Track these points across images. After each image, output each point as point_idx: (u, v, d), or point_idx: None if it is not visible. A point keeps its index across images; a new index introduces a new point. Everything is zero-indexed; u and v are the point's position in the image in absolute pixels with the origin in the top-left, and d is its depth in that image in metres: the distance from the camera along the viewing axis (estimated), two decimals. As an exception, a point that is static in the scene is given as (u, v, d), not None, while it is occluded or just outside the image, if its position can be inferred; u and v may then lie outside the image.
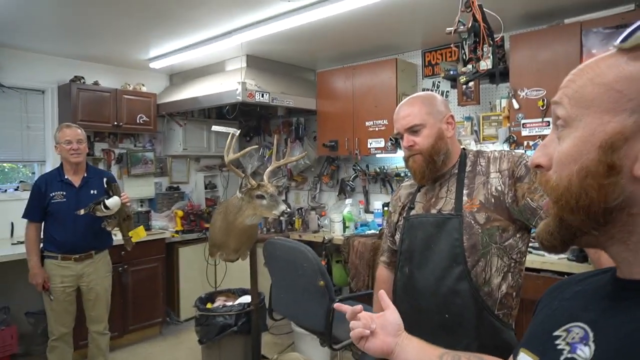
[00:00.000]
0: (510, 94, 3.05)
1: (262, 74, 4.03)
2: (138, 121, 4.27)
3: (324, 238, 3.81)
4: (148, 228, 4.02)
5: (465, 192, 1.41)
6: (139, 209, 4.28)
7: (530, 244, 2.85)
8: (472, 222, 1.35)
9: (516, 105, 3.02)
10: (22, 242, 3.18)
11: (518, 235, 1.36)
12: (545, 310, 0.69)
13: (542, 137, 2.93)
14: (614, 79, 0.50)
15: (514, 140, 3.03)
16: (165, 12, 2.98)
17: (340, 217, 3.88)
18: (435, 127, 1.44)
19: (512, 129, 3.06)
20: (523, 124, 3.00)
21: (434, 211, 1.44)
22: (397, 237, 1.56)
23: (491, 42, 1.91)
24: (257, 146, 3.91)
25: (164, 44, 3.78)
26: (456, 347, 1.26)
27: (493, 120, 3.32)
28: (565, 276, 2.58)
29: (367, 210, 4.24)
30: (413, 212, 1.51)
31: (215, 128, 2.66)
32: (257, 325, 3.03)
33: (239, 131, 2.58)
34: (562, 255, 2.74)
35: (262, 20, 3.14)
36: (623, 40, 0.51)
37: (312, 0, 2.78)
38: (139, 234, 3.03)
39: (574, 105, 0.53)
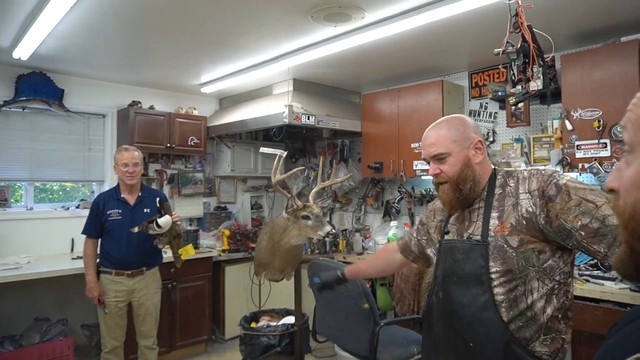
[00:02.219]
0: (563, 115, 2.94)
1: (308, 96, 4.12)
2: (189, 143, 4.45)
3: (368, 260, 3.77)
4: (196, 246, 4.14)
5: (495, 215, 1.36)
6: (188, 228, 4.42)
7: (588, 272, 2.74)
8: (505, 246, 1.30)
9: (569, 127, 2.91)
10: (80, 257, 3.36)
11: (557, 256, 1.30)
12: (618, 335, 0.65)
13: (598, 159, 2.80)
14: None
15: (568, 163, 2.91)
16: (217, 39, 3.13)
17: (385, 239, 3.84)
18: (461, 154, 1.41)
19: (565, 150, 2.95)
20: (577, 145, 2.88)
21: (465, 235, 1.42)
22: (428, 251, 1.61)
23: (541, 63, 1.87)
24: (303, 167, 3.96)
25: (214, 70, 3.96)
26: None
27: (544, 142, 3.21)
28: (628, 308, 2.40)
29: (412, 233, 4.17)
30: (448, 237, 1.49)
31: (263, 150, 2.73)
32: (300, 346, 3.02)
33: (285, 153, 2.64)
34: (623, 285, 2.57)
35: (309, 45, 3.23)
36: None
37: (358, 25, 2.83)
38: (188, 252, 3.12)
39: (637, 130, 0.52)
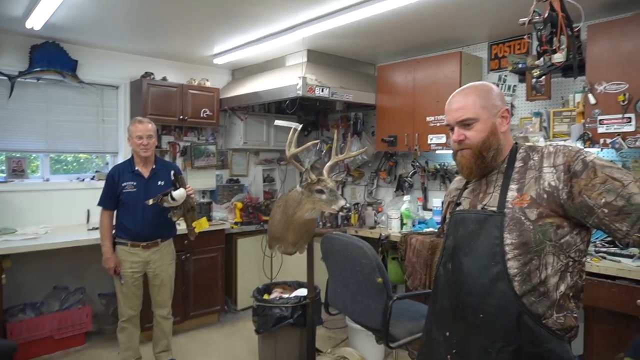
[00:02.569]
0: (587, 88, 2.84)
1: (322, 68, 4.04)
2: (202, 115, 4.42)
3: (380, 234, 3.77)
4: (209, 219, 4.16)
5: (515, 187, 1.34)
6: (201, 200, 4.44)
7: (604, 249, 2.70)
8: (523, 218, 1.28)
9: (592, 101, 2.81)
10: (96, 228, 3.41)
11: (575, 232, 1.28)
12: None
13: (622, 134, 2.72)
14: None
15: (589, 138, 2.83)
16: (229, 9, 3.05)
17: (398, 213, 3.82)
18: (489, 121, 1.38)
19: (587, 125, 2.86)
20: (600, 120, 2.79)
21: (479, 207, 1.39)
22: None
23: (570, 33, 1.79)
24: (317, 141, 3.92)
25: (227, 40, 3.88)
26: (490, 348, 1.29)
27: (565, 117, 3.11)
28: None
29: (425, 208, 4.15)
30: (459, 208, 1.47)
31: (277, 122, 2.70)
32: (312, 318, 3.06)
33: (300, 126, 2.60)
34: (641, 262, 2.54)
35: (324, 15, 3.13)
36: None
37: (376, -7, 2.73)
38: (202, 225, 3.14)
39: None
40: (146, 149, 3.03)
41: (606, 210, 1.19)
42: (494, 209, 1.34)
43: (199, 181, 4.64)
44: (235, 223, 4.47)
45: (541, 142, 3.09)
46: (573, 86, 3.17)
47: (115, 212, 3.09)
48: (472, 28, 3.44)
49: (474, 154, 1.38)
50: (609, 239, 2.84)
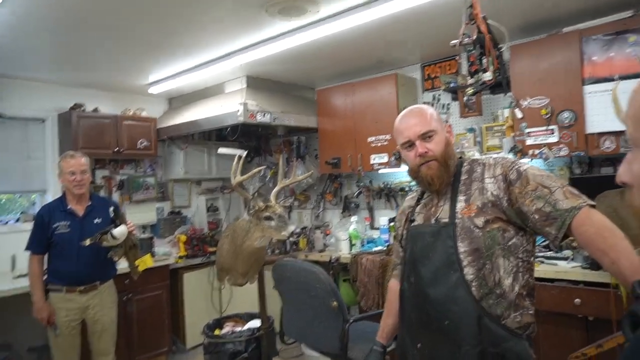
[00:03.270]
0: (513, 104, 3.04)
1: (262, 94, 4.03)
2: (139, 146, 4.24)
3: (330, 257, 3.76)
4: (152, 255, 3.94)
5: (462, 198, 1.42)
6: (142, 236, 4.22)
7: (542, 254, 2.85)
8: (472, 226, 1.36)
9: (519, 115, 3.01)
10: (24, 276, 3.11)
11: (520, 235, 1.37)
12: None
13: (548, 145, 2.92)
14: None
15: (519, 150, 3.02)
16: (165, 37, 2.99)
17: (347, 234, 3.84)
18: (443, 134, 1.47)
19: (516, 138, 3.05)
20: (527, 132, 2.99)
21: (432, 220, 1.47)
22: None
23: (497, 53, 1.91)
24: (263, 167, 3.88)
25: (162, 69, 3.78)
26: (456, 353, 1.34)
27: (496, 131, 3.31)
28: (581, 285, 2.51)
29: (372, 227, 4.20)
30: (414, 224, 1.53)
31: (221, 150, 2.64)
32: (267, 350, 2.96)
33: (245, 152, 2.56)
34: (575, 264, 2.71)
35: (262, 41, 3.15)
36: None
37: (313, 19, 2.78)
38: (146, 263, 2.96)
39: (636, 127, 0.52)
40: (80, 185, 2.84)
41: (537, 216, 1.29)
42: (446, 220, 1.41)
43: (138, 215, 4.40)
44: (180, 257, 4.27)
45: (476, 156, 3.25)
46: (501, 102, 3.38)
47: (46, 256, 2.84)
48: (405, 50, 3.59)
49: (440, 164, 1.43)
50: (545, 243, 3.01)
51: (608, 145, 2.72)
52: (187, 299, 4.26)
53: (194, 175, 4.75)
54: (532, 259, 1.40)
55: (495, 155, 1.52)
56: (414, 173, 1.49)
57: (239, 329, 3.20)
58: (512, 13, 2.81)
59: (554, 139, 2.91)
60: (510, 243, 1.35)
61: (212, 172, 4.86)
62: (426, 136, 1.44)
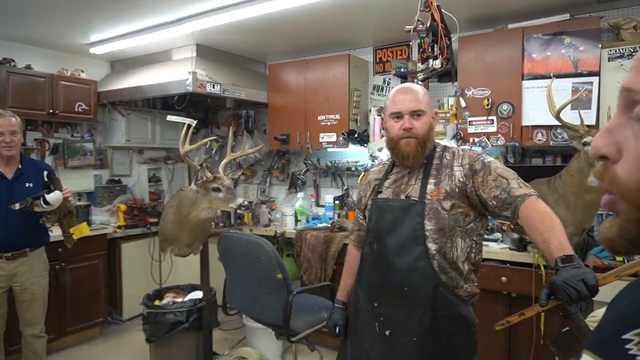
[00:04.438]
0: (458, 93, 3.19)
1: (212, 64, 3.92)
2: (76, 110, 4.00)
3: (275, 232, 3.79)
4: (89, 223, 3.79)
5: (432, 181, 1.56)
6: (78, 203, 4.03)
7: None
8: (439, 208, 1.52)
9: (463, 104, 3.16)
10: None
11: (478, 220, 1.56)
12: (614, 310, 0.57)
13: (487, 134, 3.10)
14: None
15: (461, 137, 3.18)
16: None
17: (292, 210, 3.88)
18: (429, 117, 1.59)
19: (459, 126, 3.21)
20: (469, 121, 3.15)
21: (402, 197, 1.59)
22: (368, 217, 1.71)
23: (448, 42, 1.99)
24: (213, 138, 3.80)
25: (106, 29, 3.57)
26: (413, 315, 1.53)
27: (441, 118, 3.45)
28: (508, 264, 2.72)
29: (318, 204, 4.27)
30: (382, 196, 1.65)
31: (170, 118, 2.56)
32: (209, 321, 2.97)
33: (195, 122, 2.50)
34: (504, 245, 2.92)
35: (215, 9, 3.05)
36: None
37: (270, -9, 2.74)
38: (81, 231, 2.85)
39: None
40: (9, 147, 2.65)
41: (495, 202, 1.47)
42: (416, 198, 1.55)
43: (74, 182, 4.17)
44: (119, 227, 4.13)
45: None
46: (447, 91, 3.53)
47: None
48: (359, 32, 3.63)
49: (418, 143, 1.55)
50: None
51: (540, 138, 2.94)
52: (125, 269, 4.15)
53: (136, 143, 4.56)
54: (481, 240, 1.61)
55: (463, 147, 1.68)
56: (392, 144, 1.60)
57: (180, 299, 3.18)
58: (463, 5, 2.92)
59: (493, 128, 3.09)
60: (468, 227, 1.53)
61: (155, 142, 4.70)
62: (415, 114, 1.55)
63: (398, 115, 1.57)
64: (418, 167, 1.60)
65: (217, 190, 2.40)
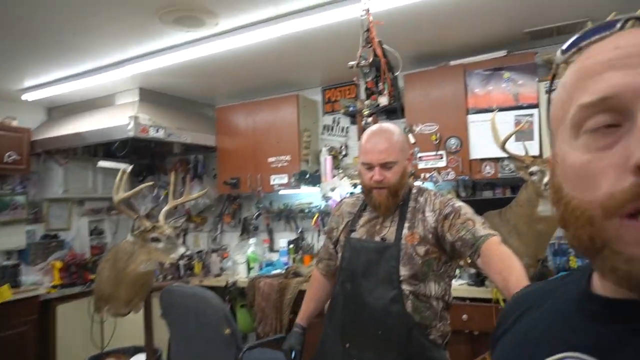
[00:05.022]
0: (406, 129, 3.19)
1: (156, 108, 3.78)
2: (6, 160, 3.70)
3: (227, 281, 3.57)
4: (16, 285, 3.43)
5: (407, 225, 1.55)
6: (5, 263, 3.65)
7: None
8: (414, 254, 1.51)
9: (412, 140, 3.16)
10: None
11: (449, 264, 1.56)
12: (512, 336, 0.60)
13: (437, 169, 3.09)
14: None
15: (412, 174, 3.15)
16: (45, 36, 2.67)
17: (244, 257, 3.69)
18: (403, 164, 1.55)
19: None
20: (419, 157, 3.15)
21: (377, 238, 1.57)
22: (340, 253, 1.68)
23: (391, 77, 1.97)
24: (151, 183, 3.60)
25: (41, 73, 3.38)
26: (385, 358, 1.49)
27: (392, 155, 3.43)
28: (467, 301, 2.65)
29: (271, 249, 4.09)
30: (355, 235, 1.63)
31: (101, 164, 2.38)
32: (153, 387, 2.67)
33: (130, 167, 2.33)
34: (462, 281, 2.86)
35: (156, 51, 2.96)
36: None
37: (211, 32, 2.68)
38: (2, 295, 2.53)
39: None
40: None
41: (460, 243, 1.47)
42: (392, 241, 1.53)
43: (2, 239, 3.82)
44: (54, 286, 3.76)
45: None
46: (396, 128, 3.53)
47: None
48: (307, 72, 3.63)
49: (390, 193, 1.52)
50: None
51: (488, 171, 2.96)
52: (60, 334, 3.74)
53: (75, 194, 4.26)
54: (451, 281, 1.61)
55: (435, 191, 1.66)
56: (366, 190, 1.59)
57: (120, 365, 2.87)
58: (406, 43, 2.95)
59: (442, 163, 3.10)
60: (441, 270, 1.54)
61: (97, 191, 4.41)
62: (386, 166, 1.51)
63: (369, 166, 1.53)
64: (394, 209, 1.58)
65: (157, 240, 2.21)
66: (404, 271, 1.49)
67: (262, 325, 3.32)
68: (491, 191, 3.21)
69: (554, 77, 0.53)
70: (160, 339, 2.74)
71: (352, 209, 1.71)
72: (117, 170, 2.39)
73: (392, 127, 1.60)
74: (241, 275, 3.63)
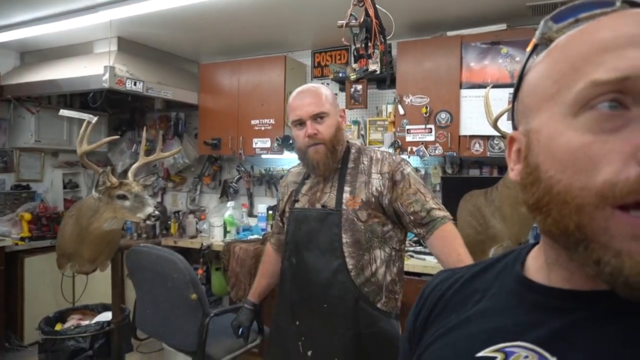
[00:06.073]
0: (396, 100, 3.06)
1: (136, 60, 3.58)
2: (-27, 104, 3.50)
3: (202, 244, 3.48)
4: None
5: (348, 189, 1.46)
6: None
7: (412, 248, 2.92)
8: (355, 219, 1.42)
9: (401, 111, 3.04)
10: None
11: (396, 227, 1.48)
12: (443, 327, 0.57)
13: (425, 143, 2.99)
14: None
15: (399, 146, 3.05)
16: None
17: (221, 221, 3.59)
18: (335, 117, 1.48)
19: (397, 134, 3.09)
20: (407, 129, 3.04)
21: (318, 205, 1.49)
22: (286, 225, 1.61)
23: (382, 40, 1.84)
24: (117, 136, 3.45)
25: (11, 13, 3.14)
26: (334, 334, 1.43)
27: (379, 125, 3.32)
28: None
29: (250, 214, 4.00)
30: (298, 205, 1.55)
31: (63, 112, 2.22)
32: (118, 346, 2.61)
33: (95, 118, 2.17)
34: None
35: (134, -4, 2.75)
36: None
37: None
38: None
39: None
40: None
41: (412, 218, 1.43)
42: (332, 208, 1.45)
43: (-32, 187, 3.67)
44: (22, 239, 3.64)
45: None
46: (386, 97, 3.41)
47: None
48: (296, 34, 3.44)
49: (327, 148, 1.44)
50: (415, 239, 3.10)
51: (477, 148, 2.87)
52: (28, 287, 3.65)
53: (48, 144, 4.08)
54: (403, 246, 1.53)
55: (382, 149, 1.56)
56: (301, 154, 1.50)
57: (85, 322, 2.80)
58: (402, 9, 2.79)
59: (431, 137, 2.99)
60: (386, 235, 1.45)
61: (72, 143, 4.22)
62: (318, 117, 1.44)
63: (300, 122, 1.46)
64: (333, 172, 1.49)
65: (123, 197, 2.09)
66: (345, 238, 1.42)
67: (235, 290, 3.26)
68: (478, 170, 3.13)
69: (535, 47, 0.49)
70: (132, 297, 2.67)
71: (296, 179, 1.63)
72: (79, 119, 2.23)
73: (317, 85, 1.55)
74: (217, 239, 3.54)
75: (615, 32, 0.40)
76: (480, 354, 0.48)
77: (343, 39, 2.02)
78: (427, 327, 0.60)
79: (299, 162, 1.61)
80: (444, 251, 1.41)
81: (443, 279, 0.64)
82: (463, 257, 1.36)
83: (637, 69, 0.38)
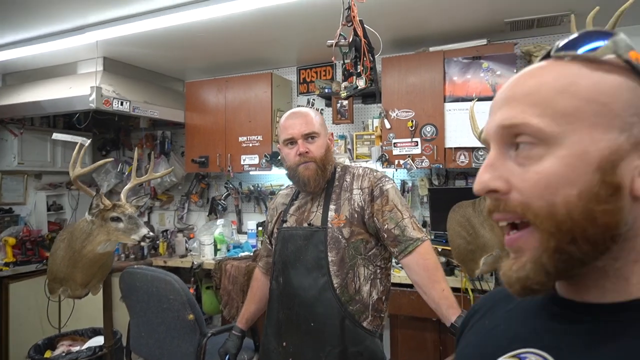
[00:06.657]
0: (382, 114, 3.13)
1: (122, 80, 3.57)
2: (-46, 128, 3.44)
3: (192, 263, 3.46)
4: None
5: (333, 207, 1.49)
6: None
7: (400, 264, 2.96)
8: (340, 236, 1.45)
9: (388, 125, 3.11)
10: None
11: (379, 245, 1.49)
12: (477, 331, 0.64)
13: (411, 156, 3.05)
14: (592, 91, 0.45)
15: (386, 159, 3.11)
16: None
17: (211, 239, 3.58)
18: (325, 139, 1.53)
19: (384, 148, 3.14)
20: (394, 143, 3.10)
21: (305, 224, 1.52)
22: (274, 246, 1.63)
23: (372, 59, 1.89)
24: (111, 159, 3.43)
25: (-6, 35, 3.12)
26: (320, 352, 1.43)
27: (366, 139, 3.38)
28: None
29: (240, 231, 4.00)
30: (286, 225, 1.57)
31: (57, 136, 2.21)
32: (111, 371, 2.57)
33: (88, 141, 2.17)
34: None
35: (122, 18, 2.76)
36: (575, 49, 0.48)
37: (177, 2, 2.51)
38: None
39: (553, 119, 0.46)
40: None
41: (386, 235, 1.44)
42: (318, 226, 1.47)
43: (-51, 213, 3.58)
44: (6, 264, 3.56)
45: (347, 163, 3.28)
46: (372, 112, 3.47)
47: None
48: (282, 50, 3.50)
49: (318, 167, 1.48)
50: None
51: (462, 160, 2.94)
52: (14, 313, 3.55)
53: (31, 166, 4.02)
54: (389, 264, 1.54)
55: (364, 165, 1.62)
56: (291, 172, 1.52)
57: (76, 348, 2.74)
58: (385, 26, 2.88)
59: (417, 150, 3.06)
60: (370, 253, 1.46)
61: (56, 164, 4.18)
62: (309, 137, 1.48)
63: (292, 141, 1.50)
64: (320, 192, 1.53)
65: (117, 220, 2.08)
66: (331, 256, 1.43)
67: (227, 308, 3.25)
68: (464, 180, 3.21)
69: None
70: (122, 320, 2.63)
71: (285, 200, 1.66)
72: (75, 143, 2.22)
73: (307, 108, 1.61)
74: (207, 257, 3.52)
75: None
76: (500, 359, 0.53)
77: (333, 58, 2.07)
78: (468, 328, 0.68)
79: (288, 183, 1.66)
80: (424, 282, 1.40)
81: (487, 297, 0.71)
82: (447, 293, 1.38)
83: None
